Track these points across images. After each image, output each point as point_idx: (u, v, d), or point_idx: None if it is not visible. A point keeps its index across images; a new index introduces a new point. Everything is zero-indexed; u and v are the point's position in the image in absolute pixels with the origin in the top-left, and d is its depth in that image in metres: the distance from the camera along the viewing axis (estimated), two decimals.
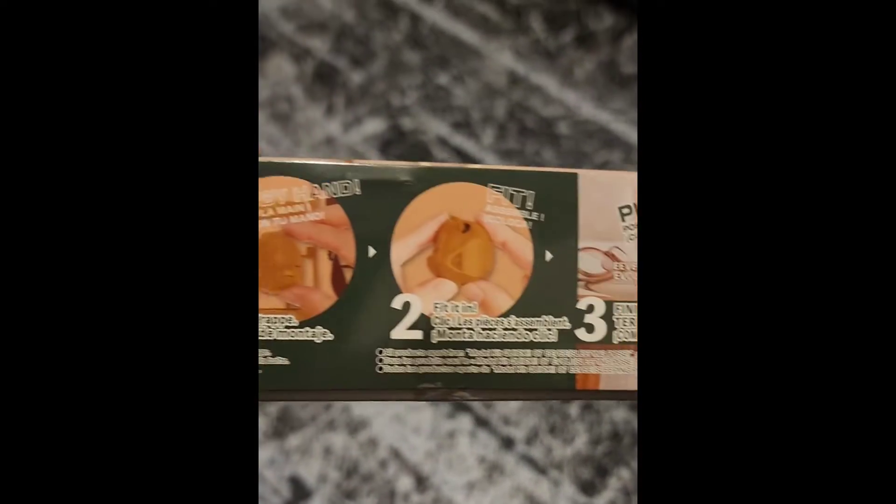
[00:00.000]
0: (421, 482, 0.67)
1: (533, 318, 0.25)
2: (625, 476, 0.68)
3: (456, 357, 0.24)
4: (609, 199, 0.25)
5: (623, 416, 0.70)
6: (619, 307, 0.25)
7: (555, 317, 0.25)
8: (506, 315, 0.25)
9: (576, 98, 0.89)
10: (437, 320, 0.24)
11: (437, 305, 0.24)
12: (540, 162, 0.84)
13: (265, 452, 0.68)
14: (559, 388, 0.25)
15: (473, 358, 0.24)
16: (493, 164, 0.83)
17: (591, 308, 0.25)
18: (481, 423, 0.70)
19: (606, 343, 0.25)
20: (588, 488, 0.67)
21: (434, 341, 0.24)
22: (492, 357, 0.25)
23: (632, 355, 0.25)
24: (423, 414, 0.70)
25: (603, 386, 0.25)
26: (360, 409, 0.70)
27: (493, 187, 0.25)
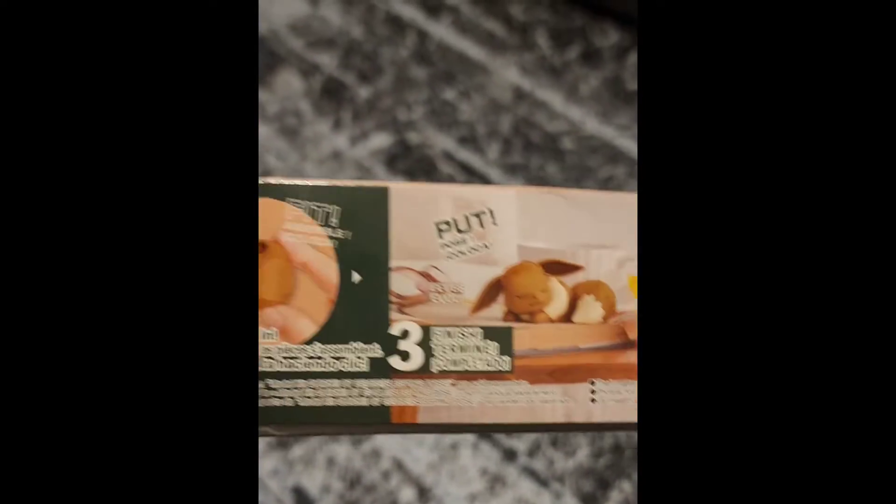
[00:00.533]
0: (423, 494, 0.68)
1: (340, 345, 0.22)
2: (626, 489, 0.68)
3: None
4: (424, 214, 0.23)
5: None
6: (438, 332, 0.23)
7: (365, 343, 0.23)
8: (309, 342, 0.22)
9: (581, 114, 0.90)
10: None
11: None
12: (544, 177, 0.85)
13: (268, 463, 0.68)
14: (372, 423, 0.23)
15: (275, 390, 0.22)
16: (498, 178, 0.84)
17: (405, 333, 0.23)
18: (483, 434, 0.71)
19: (424, 372, 0.23)
20: (590, 501, 0.68)
21: None
22: (295, 388, 0.22)
23: (452, 384, 0.23)
24: None
25: (421, 419, 0.23)
26: None
27: (293, 202, 0.23)
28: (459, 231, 0.23)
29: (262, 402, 0.22)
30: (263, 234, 0.23)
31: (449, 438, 0.70)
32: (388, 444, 0.70)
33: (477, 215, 0.23)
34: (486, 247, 0.23)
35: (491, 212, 0.23)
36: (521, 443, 0.70)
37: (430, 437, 0.70)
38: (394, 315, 0.23)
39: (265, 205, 0.23)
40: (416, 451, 0.69)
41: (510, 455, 0.69)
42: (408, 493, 0.68)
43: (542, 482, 0.68)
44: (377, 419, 0.23)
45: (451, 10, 0.99)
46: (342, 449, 0.69)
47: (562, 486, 0.68)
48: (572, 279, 0.24)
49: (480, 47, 0.95)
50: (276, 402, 0.22)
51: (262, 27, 0.97)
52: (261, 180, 0.23)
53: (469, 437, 0.70)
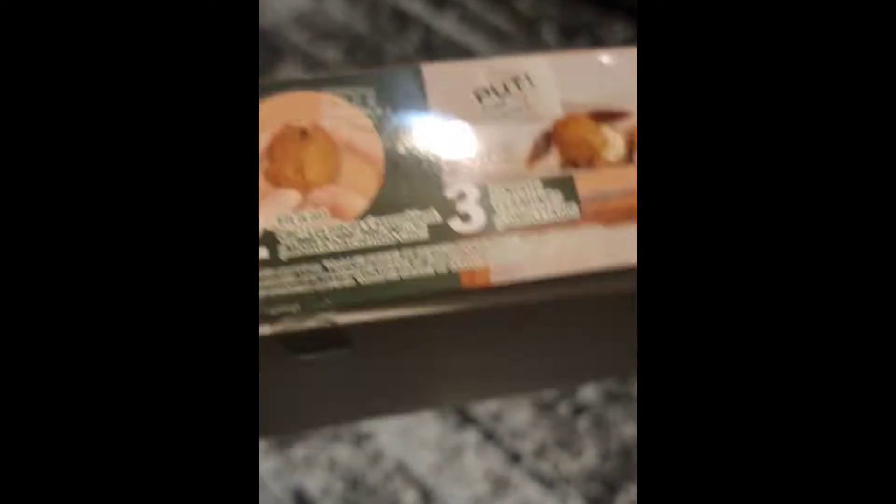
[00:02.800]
0: (426, 495, 0.67)
1: (395, 216, 0.22)
2: (633, 492, 0.67)
3: (311, 272, 0.21)
4: (460, 85, 0.23)
5: (632, 431, 0.69)
6: (495, 190, 0.22)
7: (420, 210, 0.22)
8: (362, 217, 0.22)
9: None
10: (283, 234, 0.21)
11: (281, 218, 0.22)
12: None
13: (270, 463, 0.67)
14: (442, 292, 0.21)
15: (332, 270, 0.21)
16: None
17: (462, 195, 0.22)
18: (488, 436, 0.69)
19: (489, 231, 0.22)
20: None
21: (283, 258, 0.21)
22: (354, 266, 0.21)
23: (520, 239, 0.22)
24: (429, 426, 0.70)
25: (494, 280, 0.21)
26: (367, 422, 0.70)
27: (329, 90, 0.23)
28: (497, 95, 0.23)
29: (320, 286, 0.21)
30: (303, 122, 0.23)
31: (452, 440, 0.69)
32: (391, 444, 0.68)
33: (514, 80, 0.23)
34: (527, 107, 0.23)
35: (527, 75, 0.23)
36: (526, 444, 0.69)
37: (432, 438, 0.69)
38: (446, 178, 0.22)
39: (301, 98, 0.23)
40: (419, 452, 0.68)
41: (515, 457, 0.68)
42: (410, 495, 0.66)
43: (548, 484, 0.67)
44: (446, 286, 0.21)
45: (457, 4, 0.98)
46: (344, 450, 0.68)
47: (568, 488, 0.67)
48: (623, 126, 0.23)
49: (487, 42, 0.94)
50: (336, 284, 0.21)
51: (266, 21, 0.96)
52: (297, 77, 0.23)
53: (472, 439, 0.69)
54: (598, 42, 0.94)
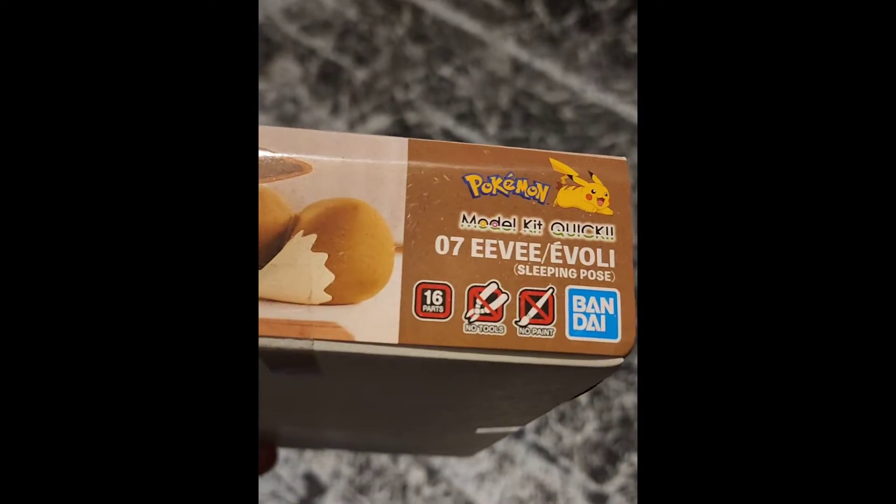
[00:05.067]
0: (432, 475, 0.68)
1: None
2: (635, 462, 0.68)
3: None
4: None
5: (633, 401, 0.70)
6: None
7: None
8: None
9: (580, 82, 0.88)
10: None
11: None
12: (545, 149, 0.84)
13: (279, 451, 0.69)
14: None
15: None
16: None
17: None
18: None
19: None
20: (599, 475, 0.68)
21: None
22: None
23: None
24: None
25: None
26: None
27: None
28: None
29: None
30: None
31: None
32: None
33: None
34: None
35: None
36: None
37: None
38: None
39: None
40: None
41: (517, 432, 0.70)
42: (417, 475, 0.68)
43: (551, 458, 0.69)
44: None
45: None
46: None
47: (570, 462, 0.68)
48: None
49: (476, 21, 0.94)
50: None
51: (258, 14, 0.97)
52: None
53: None
54: (589, 14, 0.93)
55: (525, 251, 0.21)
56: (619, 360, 0.20)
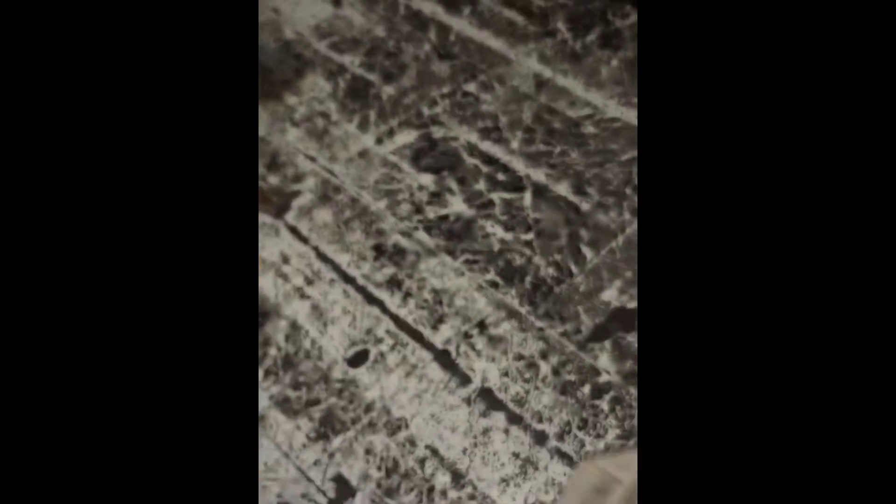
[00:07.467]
0: (457, 479, 0.70)
1: None
2: None
3: None
4: None
5: None
6: None
7: None
8: None
9: (602, 97, 0.90)
10: None
11: None
12: (568, 162, 0.86)
13: (310, 454, 0.72)
14: None
15: None
16: (520, 167, 0.85)
17: None
18: (514, 419, 0.73)
19: None
20: None
21: None
22: None
23: None
24: (458, 413, 0.73)
25: None
26: (399, 410, 0.74)
27: None
28: None
29: None
30: None
31: (480, 424, 0.72)
32: (423, 432, 0.72)
33: None
34: None
35: None
36: (551, 426, 0.72)
37: (461, 424, 0.72)
38: None
39: None
40: (450, 438, 0.72)
41: (541, 438, 0.71)
42: (442, 479, 0.70)
43: (573, 464, 0.70)
44: None
45: (470, 1, 1.00)
46: (379, 438, 0.72)
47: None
48: None
49: (500, 38, 0.97)
50: None
51: (288, 32, 1.00)
52: None
53: (500, 423, 0.72)
54: (611, 30, 0.95)
55: None
56: None
